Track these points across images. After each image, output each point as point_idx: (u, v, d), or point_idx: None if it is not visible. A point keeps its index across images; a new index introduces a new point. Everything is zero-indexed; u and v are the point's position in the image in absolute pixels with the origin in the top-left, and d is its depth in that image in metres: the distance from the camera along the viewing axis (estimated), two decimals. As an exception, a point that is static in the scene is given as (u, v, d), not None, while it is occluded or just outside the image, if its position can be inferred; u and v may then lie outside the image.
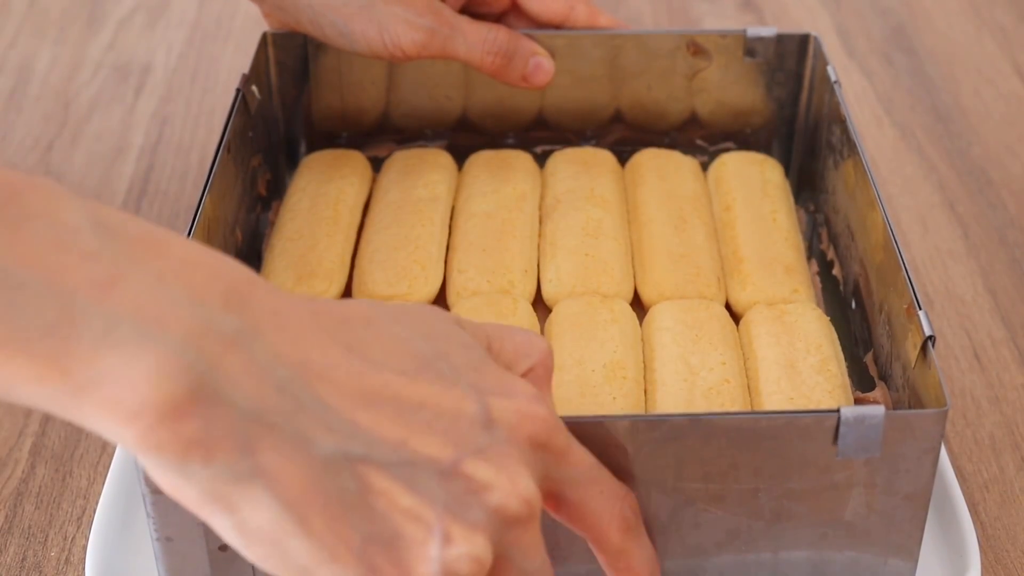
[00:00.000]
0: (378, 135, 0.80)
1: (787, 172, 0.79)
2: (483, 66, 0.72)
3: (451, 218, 0.73)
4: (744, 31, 0.76)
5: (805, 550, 0.54)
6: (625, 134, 0.80)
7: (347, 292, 0.69)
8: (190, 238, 0.59)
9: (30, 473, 0.65)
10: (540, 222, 0.73)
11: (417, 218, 0.71)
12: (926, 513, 0.53)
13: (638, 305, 0.68)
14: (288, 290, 0.67)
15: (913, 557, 0.54)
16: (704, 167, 0.78)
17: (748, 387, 0.62)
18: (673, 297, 0.67)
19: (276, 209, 0.76)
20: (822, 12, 1.09)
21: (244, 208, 0.71)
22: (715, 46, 0.77)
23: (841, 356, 0.63)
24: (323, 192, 0.73)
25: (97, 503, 0.59)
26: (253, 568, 0.53)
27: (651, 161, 0.76)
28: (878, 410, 0.50)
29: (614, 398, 0.60)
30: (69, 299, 0.37)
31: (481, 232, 0.70)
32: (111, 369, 0.37)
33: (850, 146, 0.68)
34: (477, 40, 0.71)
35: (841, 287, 0.70)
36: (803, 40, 0.76)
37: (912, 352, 0.57)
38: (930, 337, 0.55)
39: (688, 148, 0.80)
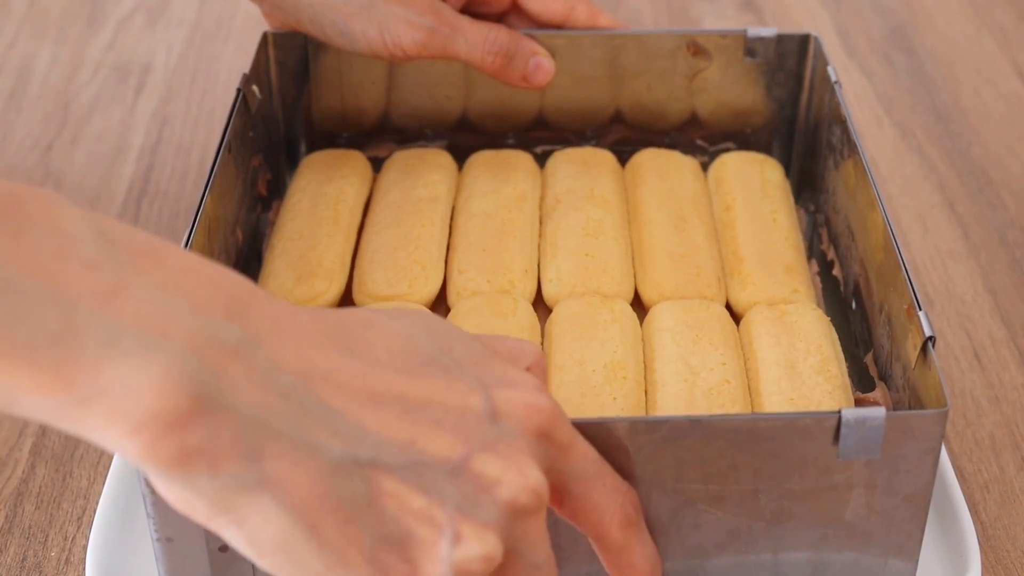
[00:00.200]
0: (378, 135, 0.80)
1: (787, 172, 0.79)
2: (484, 66, 0.72)
3: (451, 218, 0.73)
4: (744, 31, 0.76)
5: (805, 551, 0.54)
6: (625, 134, 0.80)
7: (347, 292, 0.69)
8: (191, 238, 0.59)
9: (30, 473, 0.65)
10: (540, 222, 0.73)
11: (417, 218, 0.71)
12: (926, 514, 0.53)
13: (638, 305, 0.68)
14: (288, 290, 0.67)
15: (913, 558, 0.54)
16: (704, 167, 0.78)
17: (748, 387, 0.62)
18: (673, 297, 0.67)
19: (276, 209, 0.76)
20: (822, 12, 1.09)
21: (244, 208, 0.71)
22: (715, 46, 0.77)
23: (841, 356, 0.63)
24: (323, 192, 0.73)
25: (97, 503, 0.59)
26: (253, 568, 0.53)
27: (651, 161, 0.76)
28: (879, 412, 0.50)
29: (614, 398, 0.60)
30: (72, 309, 0.37)
31: (481, 232, 0.70)
32: (114, 380, 0.37)
33: (850, 146, 0.68)
34: (478, 40, 0.71)
35: (841, 287, 0.70)
36: (803, 40, 0.76)
37: (912, 353, 0.57)
38: (930, 338, 0.55)
39: (688, 148, 0.80)
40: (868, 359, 0.64)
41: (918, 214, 0.85)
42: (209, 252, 0.62)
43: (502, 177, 0.75)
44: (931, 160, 0.90)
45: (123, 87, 0.98)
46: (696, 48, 0.77)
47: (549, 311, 0.67)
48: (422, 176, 0.75)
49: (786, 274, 0.68)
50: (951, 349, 0.74)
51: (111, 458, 0.65)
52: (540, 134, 0.80)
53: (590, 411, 0.59)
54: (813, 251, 0.74)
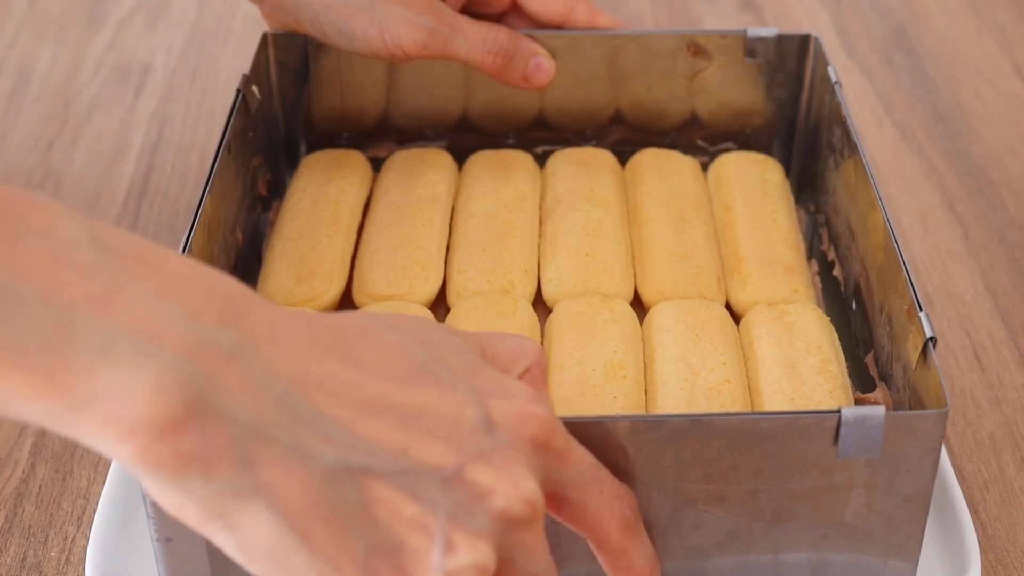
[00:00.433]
0: (378, 135, 0.80)
1: (787, 172, 0.79)
2: (484, 66, 0.72)
3: (451, 218, 0.73)
4: (744, 31, 0.76)
5: (805, 551, 0.54)
6: (625, 134, 0.80)
7: (347, 292, 0.69)
8: (191, 238, 0.59)
9: (30, 473, 0.65)
10: (540, 222, 0.73)
11: (417, 218, 0.71)
12: (927, 514, 0.53)
13: (638, 305, 0.68)
14: (288, 290, 0.67)
15: (913, 558, 0.54)
16: (704, 167, 0.78)
17: (748, 387, 0.62)
18: (673, 297, 0.67)
19: (276, 209, 0.76)
20: (822, 12, 1.09)
21: (244, 208, 0.71)
22: (715, 46, 0.77)
23: (842, 356, 0.63)
24: (323, 192, 0.73)
25: (97, 503, 0.59)
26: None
27: (651, 161, 0.76)
28: (879, 411, 0.50)
29: (615, 398, 0.60)
30: (67, 314, 0.37)
31: (481, 232, 0.70)
32: (109, 385, 0.37)
33: (850, 146, 0.68)
34: (478, 40, 0.71)
35: (842, 288, 0.70)
36: (803, 40, 0.76)
37: (913, 353, 0.57)
38: (931, 338, 0.55)
39: (688, 148, 0.80)
40: (868, 359, 0.64)
41: (918, 214, 0.85)
42: (209, 252, 0.62)
43: (502, 177, 0.75)
44: (931, 160, 0.90)
45: (123, 87, 0.98)
46: (696, 48, 0.77)
47: (549, 311, 0.67)
48: (422, 176, 0.75)
49: (786, 274, 0.68)
50: (951, 349, 0.74)
51: (111, 458, 0.65)
52: (540, 134, 0.80)
53: (590, 410, 0.59)
54: (813, 251, 0.74)
